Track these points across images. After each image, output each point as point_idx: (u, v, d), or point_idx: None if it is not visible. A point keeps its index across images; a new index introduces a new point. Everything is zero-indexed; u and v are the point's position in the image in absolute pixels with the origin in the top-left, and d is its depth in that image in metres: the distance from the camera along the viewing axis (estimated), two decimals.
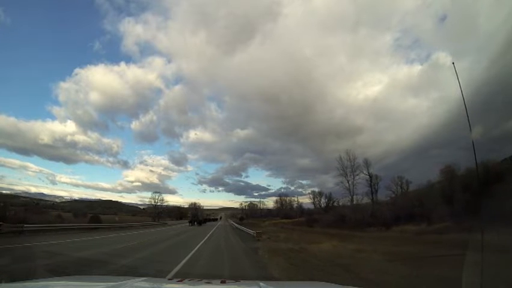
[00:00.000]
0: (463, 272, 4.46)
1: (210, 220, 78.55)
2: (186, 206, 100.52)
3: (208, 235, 21.99)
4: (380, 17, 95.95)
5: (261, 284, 2.15)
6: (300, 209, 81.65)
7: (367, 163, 42.45)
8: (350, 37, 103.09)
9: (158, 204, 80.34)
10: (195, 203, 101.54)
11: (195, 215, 79.57)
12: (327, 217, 45.81)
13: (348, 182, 43.19)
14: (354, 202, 47.10)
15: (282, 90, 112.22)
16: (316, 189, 76.45)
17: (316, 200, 76.15)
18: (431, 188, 34.21)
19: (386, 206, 37.57)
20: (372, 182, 43.80)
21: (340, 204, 69.06)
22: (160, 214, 75.32)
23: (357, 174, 42.31)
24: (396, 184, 42.49)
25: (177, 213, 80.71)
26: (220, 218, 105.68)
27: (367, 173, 41.09)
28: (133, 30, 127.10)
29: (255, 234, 18.55)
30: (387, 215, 32.07)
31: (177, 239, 18.14)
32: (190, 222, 53.91)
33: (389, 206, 37.82)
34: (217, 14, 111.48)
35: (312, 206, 75.91)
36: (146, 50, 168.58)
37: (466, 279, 4.29)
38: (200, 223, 52.82)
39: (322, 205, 75.89)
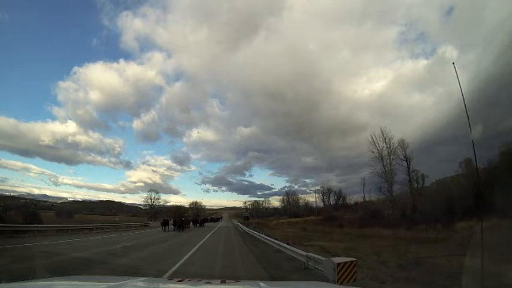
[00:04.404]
0: None
1: (208, 221, 62.36)
2: (189, 206, 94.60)
3: (181, 262, 8.82)
4: (386, 10, 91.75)
5: (261, 284, 2.12)
6: (307, 207, 77.99)
7: (403, 145, 34.33)
8: (355, 31, 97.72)
9: (156, 203, 74.64)
10: (195, 202, 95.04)
11: (196, 215, 72.45)
12: (350, 214, 38.96)
13: (384, 168, 34.81)
14: (366, 199, 40.11)
15: (286, 86, 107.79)
16: (324, 187, 72.13)
17: (325, 197, 71.05)
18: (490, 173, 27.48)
19: (427, 198, 30.56)
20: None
21: (347, 201, 64.72)
22: (157, 214, 68.98)
23: (393, 159, 34.42)
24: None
25: (176, 212, 73.96)
26: (221, 217, 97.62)
27: (403, 157, 33.57)
28: (131, 25, 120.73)
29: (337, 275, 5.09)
30: (437, 209, 25.10)
31: None
32: (163, 225, 30.89)
33: (430, 198, 30.94)
34: (218, 6, 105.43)
35: (315, 204, 72.53)
36: (145, 46, 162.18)
37: None
38: (182, 226, 30.52)
39: (331, 202, 71.29)
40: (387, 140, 35.29)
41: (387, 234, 18.34)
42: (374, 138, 36.36)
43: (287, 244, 9.79)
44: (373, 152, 36.25)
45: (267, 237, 14.54)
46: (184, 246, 13.82)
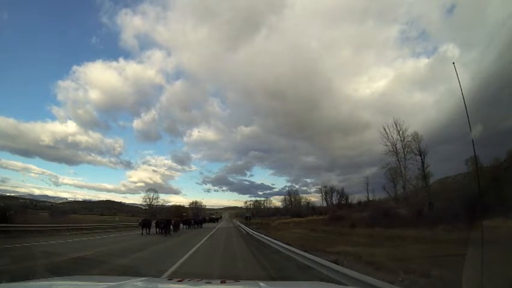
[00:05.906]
0: None
1: (206, 221, 58.33)
2: (189, 205, 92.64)
3: None
4: (387, 8, 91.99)
5: (261, 284, 2.09)
6: (309, 206, 76.86)
7: (417, 138, 32.09)
8: (356, 29, 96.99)
9: (154, 203, 72.97)
10: (196, 202, 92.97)
11: (196, 215, 70.35)
12: (356, 214, 37.12)
13: (399, 163, 32.70)
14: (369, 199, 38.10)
15: (287, 85, 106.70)
16: (327, 186, 70.46)
17: (327, 196, 69.66)
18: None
19: (441, 196, 28.73)
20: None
21: (349, 200, 63.55)
22: (155, 214, 67.01)
23: (407, 153, 32.18)
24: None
25: (176, 212, 72.03)
26: (221, 217, 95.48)
27: (418, 152, 31.50)
28: (130, 23, 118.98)
29: None
30: (456, 207, 23.20)
31: None
32: (142, 226, 24.51)
33: (444, 196, 29.12)
34: (219, 4, 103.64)
35: (322, 203, 71.09)
36: (145, 44, 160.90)
37: None
38: (166, 228, 24.07)
39: (334, 202, 69.91)
40: (401, 132, 33.15)
41: (412, 235, 16.33)
42: (387, 129, 34.20)
43: (335, 263, 5.73)
44: (386, 145, 34.05)
45: (285, 245, 10.26)
46: (165, 258, 9.89)
